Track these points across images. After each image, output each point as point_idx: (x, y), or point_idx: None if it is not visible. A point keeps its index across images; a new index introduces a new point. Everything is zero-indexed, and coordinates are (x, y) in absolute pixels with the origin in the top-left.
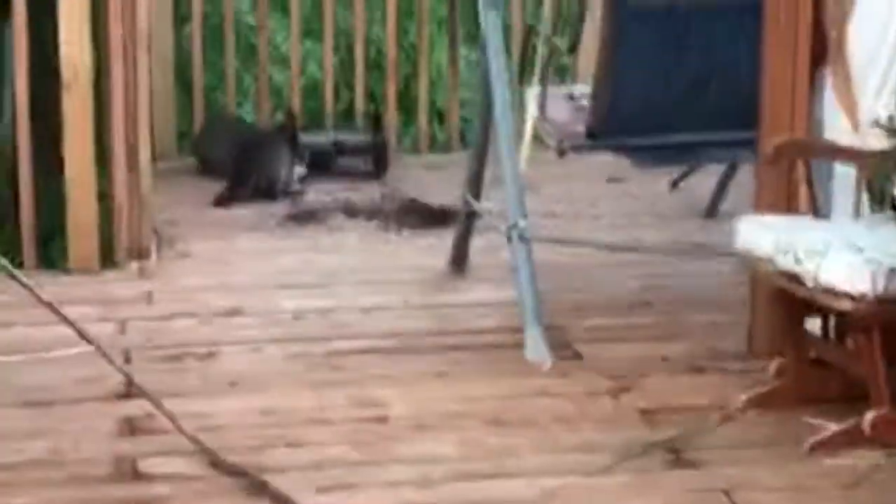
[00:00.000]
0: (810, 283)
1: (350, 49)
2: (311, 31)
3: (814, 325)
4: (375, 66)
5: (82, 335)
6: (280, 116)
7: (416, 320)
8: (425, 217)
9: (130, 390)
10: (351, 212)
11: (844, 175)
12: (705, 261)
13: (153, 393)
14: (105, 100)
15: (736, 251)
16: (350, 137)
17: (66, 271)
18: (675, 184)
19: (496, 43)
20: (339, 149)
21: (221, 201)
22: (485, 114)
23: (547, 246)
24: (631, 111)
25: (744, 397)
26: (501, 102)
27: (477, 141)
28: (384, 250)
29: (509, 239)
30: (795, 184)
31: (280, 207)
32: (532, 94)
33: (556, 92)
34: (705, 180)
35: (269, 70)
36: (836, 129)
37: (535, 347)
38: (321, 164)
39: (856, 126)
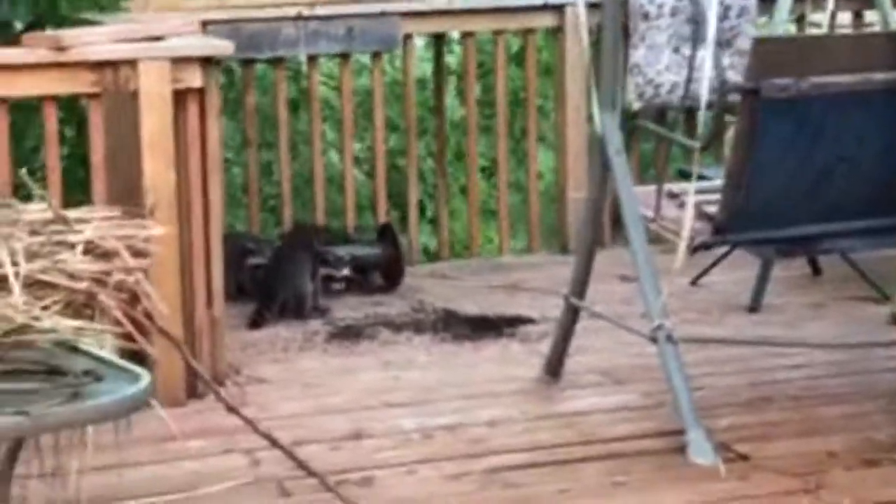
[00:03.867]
0: None
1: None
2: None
3: None
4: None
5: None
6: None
7: (550, 431)
8: (472, 327)
9: None
10: (395, 327)
11: None
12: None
13: None
14: (186, 234)
15: None
16: (363, 251)
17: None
18: (695, 280)
19: (616, 144)
20: (355, 263)
21: (257, 323)
22: (593, 214)
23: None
24: (760, 206)
25: None
26: (630, 205)
27: (584, 242)
28: (459, 363)
29: (655, 340)
30: None
31: (315, 326)
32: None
33: (650, 190)
34: (722, 276)
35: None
36: None
37: (701, 450)
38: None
39: None
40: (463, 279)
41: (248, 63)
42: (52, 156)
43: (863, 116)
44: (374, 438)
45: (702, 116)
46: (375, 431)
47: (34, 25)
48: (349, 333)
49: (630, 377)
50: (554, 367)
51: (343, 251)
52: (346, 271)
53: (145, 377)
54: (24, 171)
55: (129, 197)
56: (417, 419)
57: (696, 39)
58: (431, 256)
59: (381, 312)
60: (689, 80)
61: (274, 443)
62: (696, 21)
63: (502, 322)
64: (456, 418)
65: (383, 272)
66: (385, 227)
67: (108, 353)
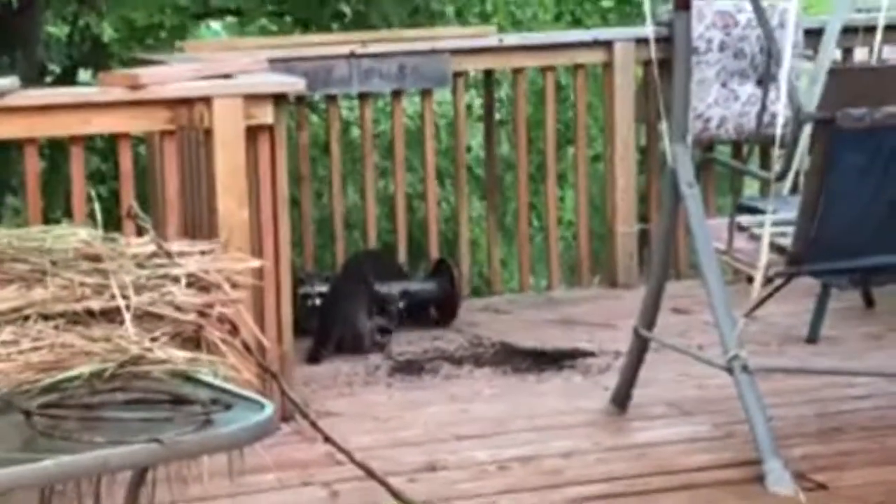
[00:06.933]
0: None
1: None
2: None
3: None
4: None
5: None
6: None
7: (625, 462)
8: (532, 360)
9: None
10: (455, 360)
11: None
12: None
13: None
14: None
15: None
16: (418, 286)
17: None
18: (749, 313)
19: (688, 176)
20: (410, 298)
21: (315, 358)
22: (664, 245)
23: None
24: (834, 236)
25: None
26: (703, 237)
27: (655, 273)
28: (524, 395)
29: (731, 371)
30: None
31: (375, 360)
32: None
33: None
34: (776, 308)
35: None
36: None
37: (780, 480)
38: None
39: None
40: (516, 313)
41: (300, 100)
42: (127, 192)
43: None
44: (450, 470)
45: (776, 151)
46: (450, 464)
47: (73, 68)
48: (411, 368)
49: (697, 408)
50: (621, 399)
51: (396, 287)
52: (399, 305)
53: (269, 405)
54: (134, 203)
55: (198, 232)
56: (491, 451)
57: (768, 73)
58: (482, 291)
59: (440, 347)
60: (761, 113)
61: (370, 473)
62: (770, 55)
63: (561, 355)
64: (529, 450)
65: (438, 307)
66: (440, 263)
67: (224, 383)
